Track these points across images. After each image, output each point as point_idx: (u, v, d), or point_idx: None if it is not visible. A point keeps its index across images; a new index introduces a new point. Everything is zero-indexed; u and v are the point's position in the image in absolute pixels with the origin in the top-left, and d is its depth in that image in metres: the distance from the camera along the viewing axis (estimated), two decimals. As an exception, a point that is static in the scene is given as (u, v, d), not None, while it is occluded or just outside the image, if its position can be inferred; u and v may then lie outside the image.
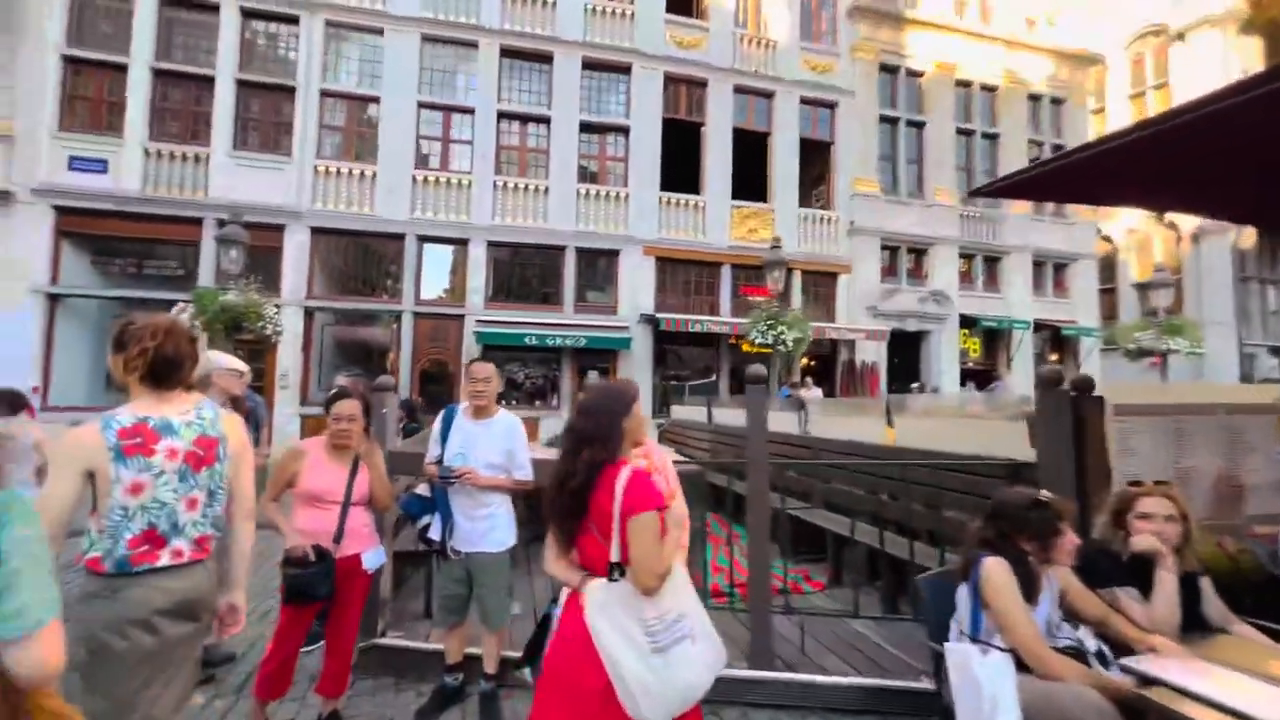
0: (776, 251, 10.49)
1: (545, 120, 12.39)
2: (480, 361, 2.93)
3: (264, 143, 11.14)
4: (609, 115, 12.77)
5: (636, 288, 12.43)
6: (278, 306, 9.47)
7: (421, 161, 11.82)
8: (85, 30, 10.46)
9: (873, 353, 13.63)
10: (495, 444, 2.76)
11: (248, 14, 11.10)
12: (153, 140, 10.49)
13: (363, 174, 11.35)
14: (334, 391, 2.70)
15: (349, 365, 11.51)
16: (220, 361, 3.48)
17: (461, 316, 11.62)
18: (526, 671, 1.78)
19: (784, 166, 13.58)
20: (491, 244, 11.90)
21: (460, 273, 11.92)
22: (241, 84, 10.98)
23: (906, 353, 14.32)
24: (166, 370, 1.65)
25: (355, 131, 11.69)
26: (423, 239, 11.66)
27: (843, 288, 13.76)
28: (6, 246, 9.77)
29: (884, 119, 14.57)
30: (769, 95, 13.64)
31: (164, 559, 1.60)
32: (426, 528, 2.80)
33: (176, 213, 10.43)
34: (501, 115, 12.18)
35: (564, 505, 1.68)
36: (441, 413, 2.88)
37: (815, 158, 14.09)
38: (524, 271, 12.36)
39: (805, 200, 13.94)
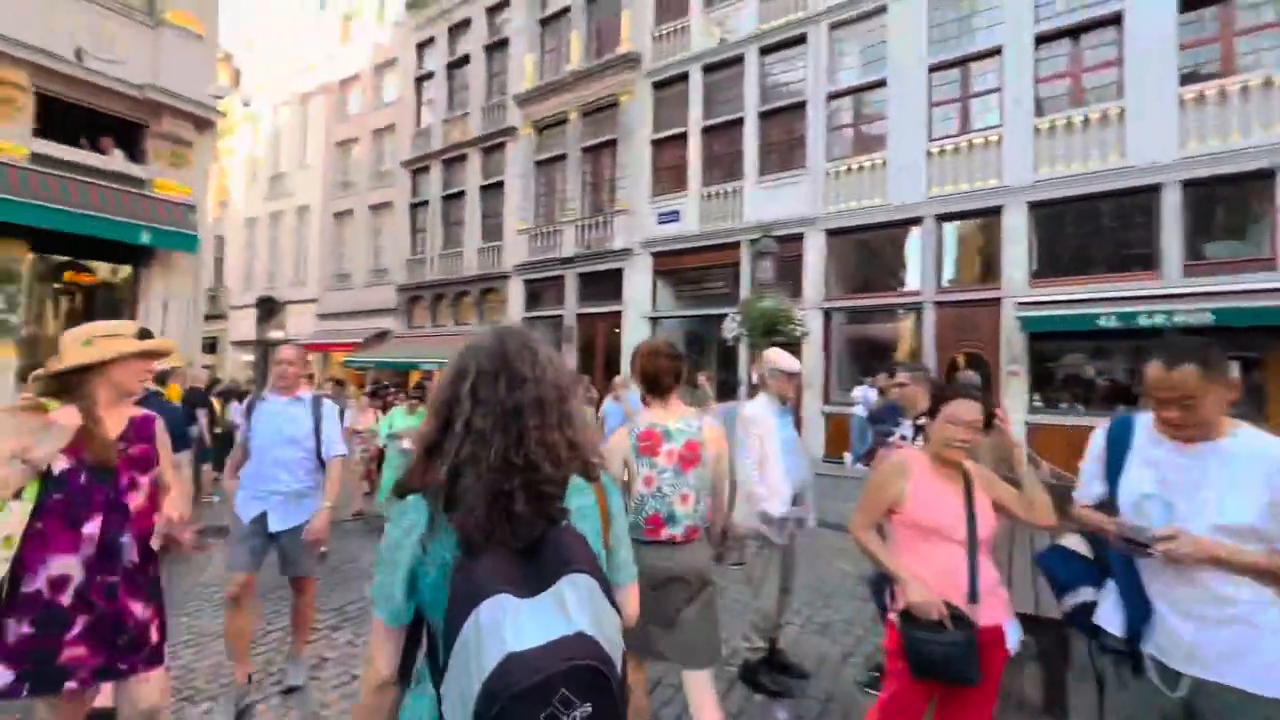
0: None
1: (1113, 20, 9.03)
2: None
3: (782, 162, 12.10)
4: (1236, -33, 8.28)
5: (1320, 222, 7.52)
6: (802, 310, 9.95)
7: (936, 132, 10.46)
8: (661, 117, 13.78)
9: None
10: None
11: (765, 51, 12.33)
12: (704, 185, 12.87)
13: (872, 165, 10.88)
14: (944, 389, 1.94)
15: (865, 363, 11.17)
16: (777, 361, 3.31)
17: (996, 300, 9.60)
18: None
19: None
20: (1034, 206, 9.43)
21: (992, 248, 9.92)
22: (762, 115, 12.26)
23: None
24: (650, 384, 2.26)
25: (861, 125, 11.37)
26: (942, 218, 10.26)
27: None
28: (630, 287, 13.75)
29: None
30: None
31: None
32: (1086, 609, 1.70)
33: (721, 240, 12.44)
34: (1040, 39, 9.56)
35: None
36: (1107, 427, 1.73)
37: None
38: (1085, 231, 9.29)
39: None
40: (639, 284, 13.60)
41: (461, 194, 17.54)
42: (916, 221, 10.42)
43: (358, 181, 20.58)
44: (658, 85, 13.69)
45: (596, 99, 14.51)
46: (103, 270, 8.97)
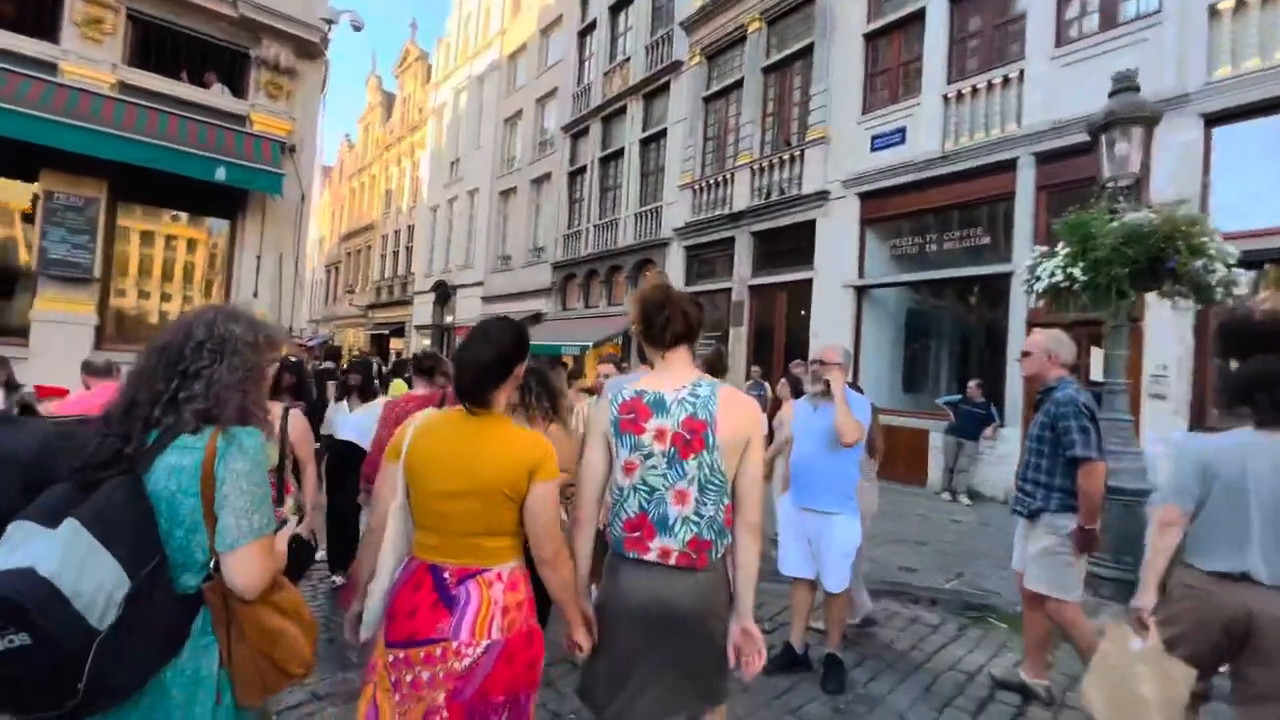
0: None
1: None
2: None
3: (1106, 18, 7.26)
4: None
5: None
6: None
7: None
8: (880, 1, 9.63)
9: None
10: None
11: None
12: (951, 83, 8.47)
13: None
14: None
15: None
16: None
17: None
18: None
19: None
20: None
21: None
22: (1063, -47, 7.52)
23: None
24: (645, 329, 1.63)
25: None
26: None
27: None
28: (826, 246, 9.84)
29: None
30: None
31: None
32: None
33: (980, 162, 7.97)
34: None
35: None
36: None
37: None
38: None
39: None
40: (839, 240, 9.65)
41: (619, 153, 15.09)
42: None
43: (520, 155, 19.43)
44: (876, -45, 9.59)
45: (786, -4, 10.85)
46: (195, 221, 7.84)
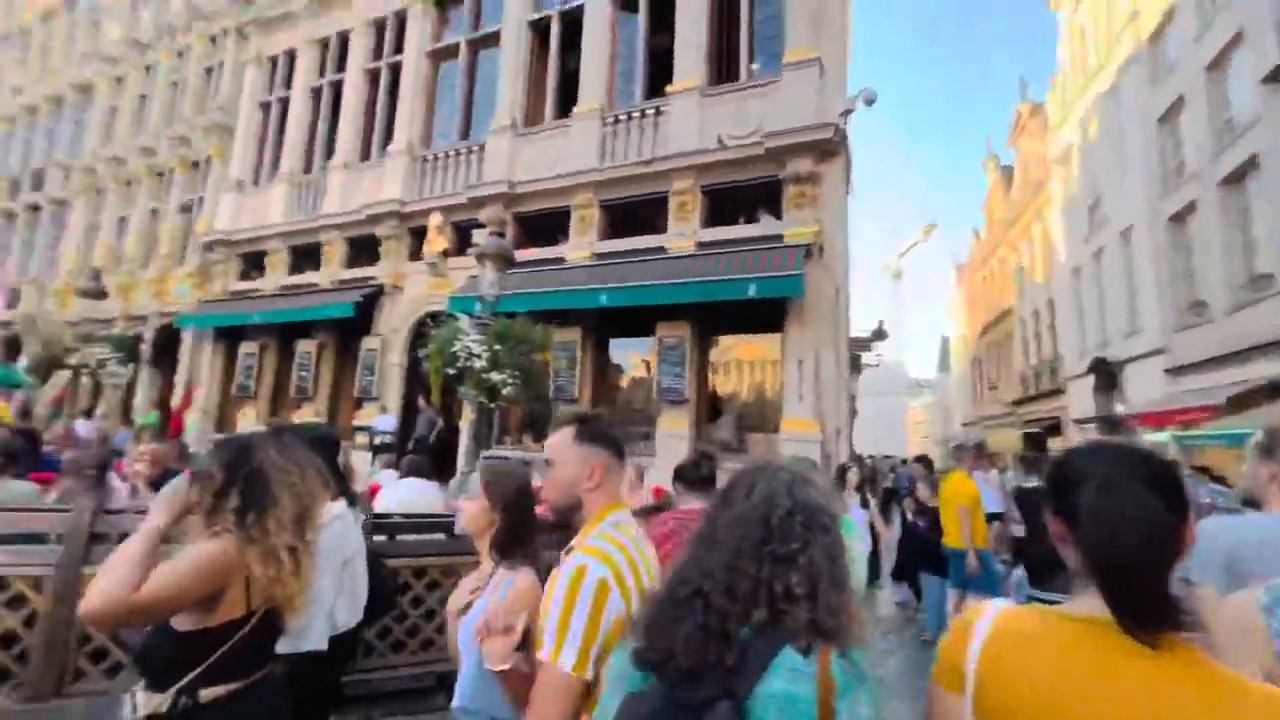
0: None
1: None
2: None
3: None
4: None
5: None
6: None
7: None
8: None
9: None
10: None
11: None
12: None
13: None
14: None
15: None
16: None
17: None
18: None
19: None
20: None
21: None
22: None
23: None
24: None
25: None
26: None
27: None
28: None
29: None
30: None
31: None
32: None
33: None
34: None
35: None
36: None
37: None
38: None
39: None
40: None
41: None
42: None
43: (1193, 158, 13.21)
44: None
45: None
46: (756, 340, 8.63)
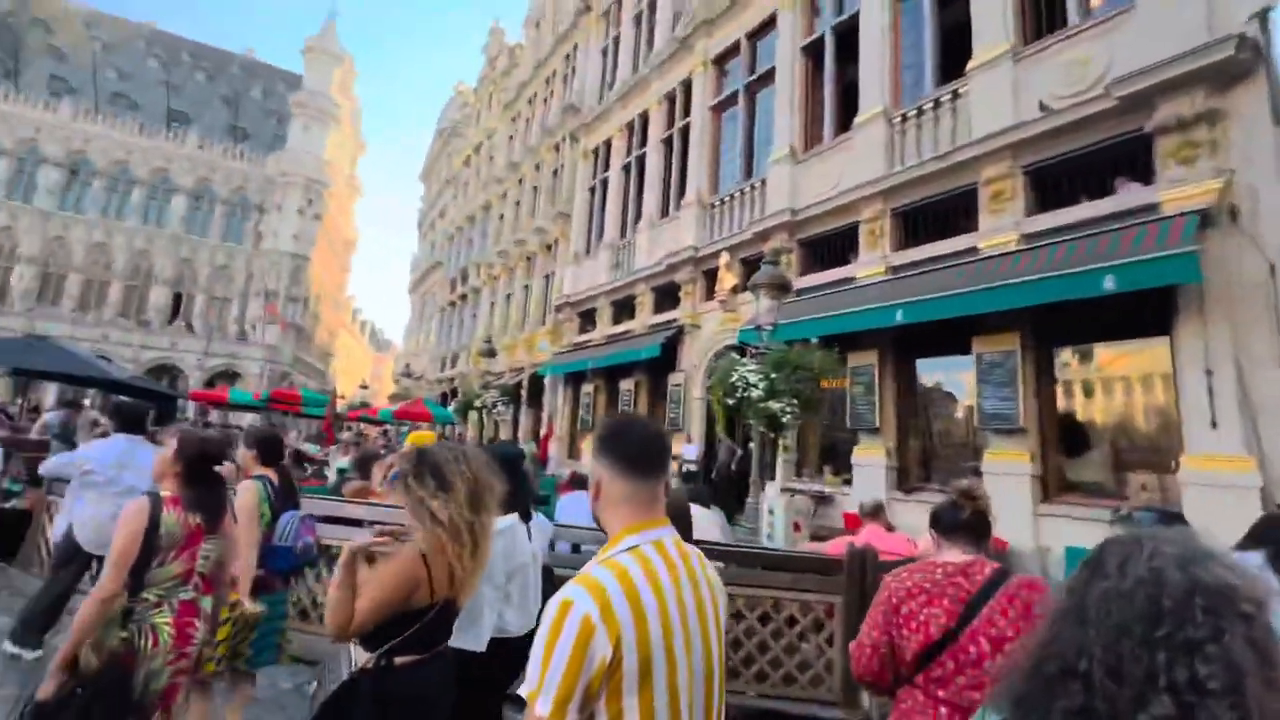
0: None
1: None
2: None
3: None
4: None
5: None
6: None
7: None
8: None
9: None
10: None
11: None
12: None
13: None
14: None
15: None
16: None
17: None
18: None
19: None
20: None
21: None
22: None
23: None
24: None
25: None
26: None
27: None
28: None
29: None
30: None
31: None
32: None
33: None
34: None
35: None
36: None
37: None
38: None
39: None
40: None
41: None
42: None
43: None
44: None
45: None
46: (1129, 348, 6.46)
